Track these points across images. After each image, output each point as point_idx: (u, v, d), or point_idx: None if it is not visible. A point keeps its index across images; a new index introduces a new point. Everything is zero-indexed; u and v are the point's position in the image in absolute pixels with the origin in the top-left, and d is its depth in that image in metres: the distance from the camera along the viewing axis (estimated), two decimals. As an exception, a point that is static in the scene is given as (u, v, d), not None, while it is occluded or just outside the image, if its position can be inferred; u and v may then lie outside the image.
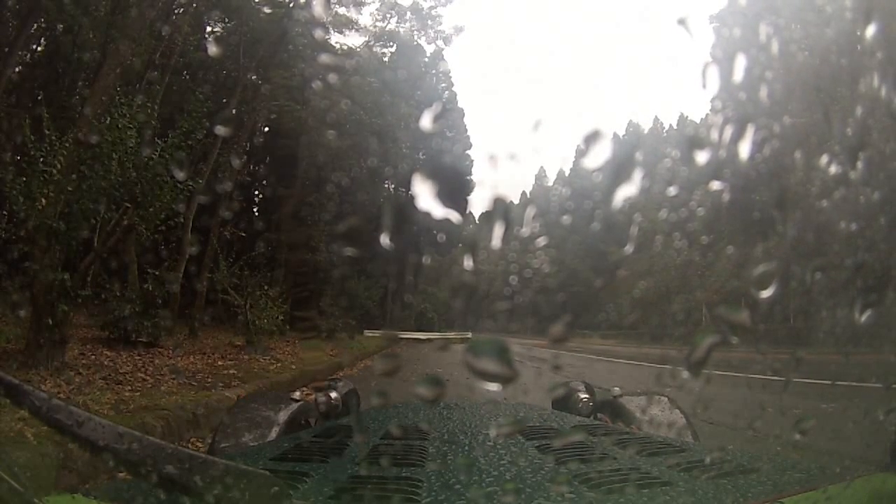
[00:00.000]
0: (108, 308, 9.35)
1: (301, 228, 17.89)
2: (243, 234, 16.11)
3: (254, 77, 16.65)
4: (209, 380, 8.08)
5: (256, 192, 21.33)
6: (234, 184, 15.73)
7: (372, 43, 20.47)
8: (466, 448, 1.39)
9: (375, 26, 20.72)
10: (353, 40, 20.38)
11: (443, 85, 30.86)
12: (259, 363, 11.09)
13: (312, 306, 18.59)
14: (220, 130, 11.64)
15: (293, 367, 11.41)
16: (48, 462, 3.47)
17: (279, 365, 11.38)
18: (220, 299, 14.08)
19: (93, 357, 8.18)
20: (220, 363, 10.38)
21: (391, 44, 21.02)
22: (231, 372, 9.33)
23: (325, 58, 16.20)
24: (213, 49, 16.36)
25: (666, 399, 2.10)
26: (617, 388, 2.26)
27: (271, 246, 17.78)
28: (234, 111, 15.24)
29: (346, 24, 20.05)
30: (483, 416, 1.93)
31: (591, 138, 0.80)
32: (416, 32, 21.68)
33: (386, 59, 20.54)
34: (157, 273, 10.26)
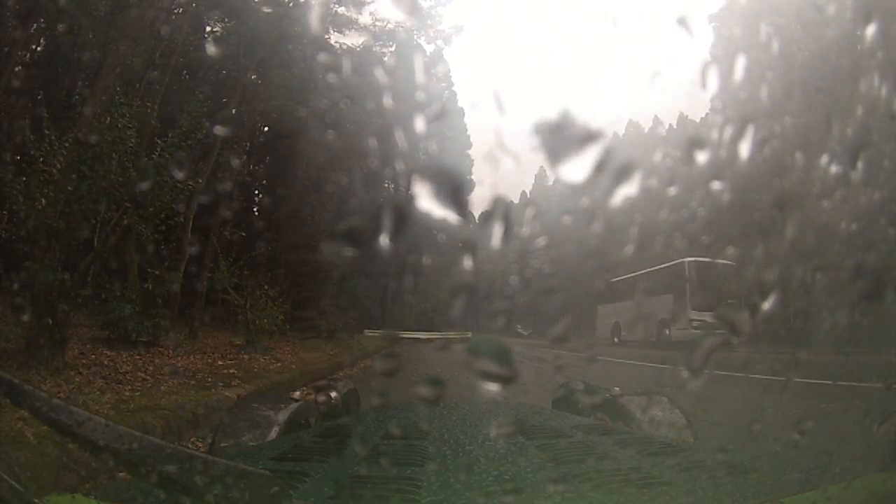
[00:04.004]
0: (108, 308, 9.35)
1: (301, 228, 17.87)
2: (243, 234, 16.11)
3: (254, 77, 16.64)
4: (209, 379, 8.06)
5: (256, 192, 21.31)
6: (234, 184, 15.71)
7: (372, 43, 20.45)
8: (466, 448, 1.39)
9: (375, 26, 20.70)
10: (352, 40, 20.32)
11: (443, 85, 30.88)
12: (259, 363, 11.07)
13: (312, 306, 18.57)
14: (220, 130, 11.63)
15: (293, 366, 11.38)
16: (48, 462, 3.47)
17: (279, 365, 11.35)
18: (221, 299, 14.07)
19: (93, 357, 8.15)
20: (220, 363, 10.35)
21: (391, 43, 20.99)
22: (231, 371, 9.32)
23: (324, 57, 16.20)
24: (212, 49, 16.34)
25: (666, 399, 2.10)
26: (617, 388, 2.26)
27: (271, 246, 17.74)
28: (233, 111, 15.23)
29: (346, 24, 20.04)
30: (483, 416, 1.93)
31: (591, 138, 0.80)
32: (416, 32, 21.69)
33: (386, 58, 20.52)
34: (157, 273, 10.25)
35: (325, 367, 11.87)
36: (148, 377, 7.49)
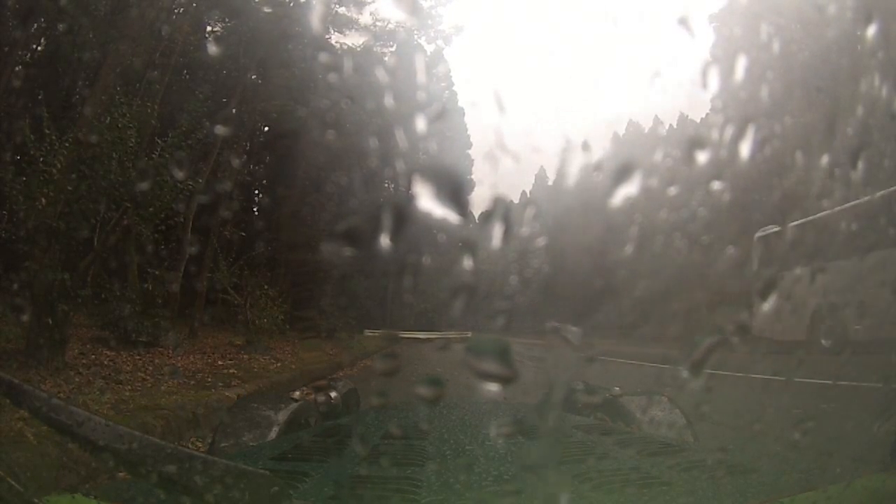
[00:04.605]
0: (108, 308, 9.35)
1: (301, 228, 17.87)
2: (243, 234, 16.11)
3: (254, 77, 16.64)
4: (209, 379, 8.05)
5: (257, 192, 21.30)
6: (234, 184, 15.71)
7: (372, 43, 20.46)
8: (466, 448, 1.39)
9: (375, 26, 20.70)
10: (353, 40, 20.32)
11: (443, 85, 30.87)
12: (259, 363, 11.05)
13: (312, 306, 18.57)
14: (220, 130, 11.64)
15: (293, 366, 11.35)
16: (48, 462, 3.47)
17: (279, 364, 11.32)
18: (221, 299, 14.06)
19: (93, 357, 8.14)
20: (220, 363, 10.33)
21: (391, 43, 20.98)
22: (231, 371, 9.31)
23: (325, 57, 16.20)
24: (212, 49, 16.34)
25: (666, 399, 2.10)
26: (617, 388, 2.26)
27: (271, 246, 17.74)
28: (234, 111, 15.22)
29: (346, 24, 20.03)
30: (483, 416, 1.93)
31: (582, 148, 0.81)
32: (416, 32, 21.67)
33: (386, 58, 20.52)
34: (156, 273, 10.25)
35: (325, 367, 11.88)
36: (148, 377, 7.49)
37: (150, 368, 8.12)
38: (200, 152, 12.01)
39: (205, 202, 12.59)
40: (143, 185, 7.59)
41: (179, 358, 9.91)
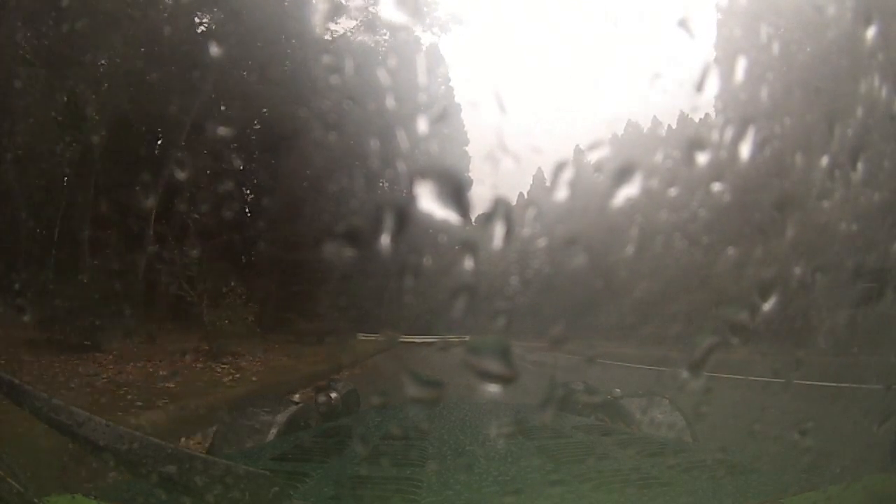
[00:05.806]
0: (45, 306, 7.76)
1: (286, 225, 17.32)
2: (211, 221, 14.46)
3: (245, 73, 16.58)
4: (129, 397, 6.28)
5: (248, 192, 20.86)
6: (211, 171, 14.88)
7: (362, 29, 20.31)
8: (466, 448, 1.39)
9: (368, 13, 20.51)
10: (344, 25, 20.15)
11: (439, 80, 30.83)
12: (212, 374, 9.13)
13: (297, 307, 17.91)
14: (222, 132, 11.51)
15: (255, 377, 9.38)
16: (48, 462, 3.47)
17: (236, 376, 9.21)
18: (175, 295, 11.41)
19: (2, 362, 6.47)
20: (161, 373, 8.28)
21: (384, 31, 20.70)
22: (167, 386, 7.34)
23: (315, 48, 16.15)
24: (210, 48, 16.30)
25: (666, 400, 2.10)
26: (618, 390, 2.26)
27: (245, 236, 16.54)
28: (224, 108, 15.08)
29: (337, 11, 19.83)
30: (483, 416, 1.94)
31: (560, 167, 0.81)
32: (411, 19, 21.47)
33: (381, 48, 20.36)
34: (95, 263, 8.71)
35: (299, 378, 9.63)
36: (53, 392, 6.37)
37: (61, 379, 6.59)
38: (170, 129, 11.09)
39: (172, 186, 11.30)
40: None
41: (114, 366, 8.11)
